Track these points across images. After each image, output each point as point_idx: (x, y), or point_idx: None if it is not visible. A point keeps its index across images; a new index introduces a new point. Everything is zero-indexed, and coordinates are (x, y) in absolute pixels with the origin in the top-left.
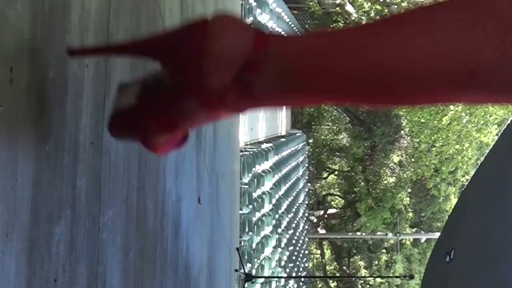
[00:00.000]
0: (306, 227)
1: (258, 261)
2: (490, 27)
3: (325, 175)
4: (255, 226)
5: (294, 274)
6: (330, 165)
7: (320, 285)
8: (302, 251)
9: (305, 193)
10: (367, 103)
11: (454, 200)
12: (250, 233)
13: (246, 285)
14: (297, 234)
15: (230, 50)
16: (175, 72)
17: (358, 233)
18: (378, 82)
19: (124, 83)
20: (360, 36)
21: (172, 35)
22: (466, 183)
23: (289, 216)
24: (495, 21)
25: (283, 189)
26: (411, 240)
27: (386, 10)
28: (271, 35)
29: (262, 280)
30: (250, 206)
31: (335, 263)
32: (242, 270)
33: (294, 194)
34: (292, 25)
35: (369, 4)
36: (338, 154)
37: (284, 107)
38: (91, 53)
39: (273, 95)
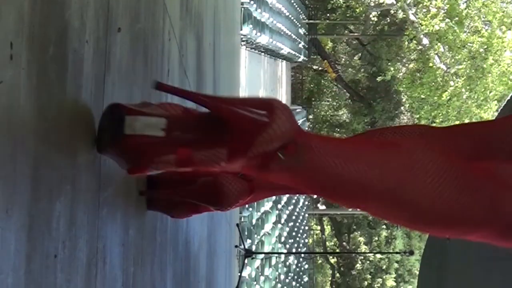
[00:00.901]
0: (306, 203)
1: (258, 237)
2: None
3: None
4: (255, 202)
5: (294, 250)
6: None
7: (320, 261)
8: (302, 227)
9: None
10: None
11: None
12: (250, 209)
13: (246, 261)
14: (297, 210)
15: (283, 133)
16: (236, 129)
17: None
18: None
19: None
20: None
21: (249, 107)
22: None
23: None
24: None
25: None
26: None
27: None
28: (305, 134)
29: (262, 256)
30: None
31: (335, 239)
32: (242, 246)
33: None
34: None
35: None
36: (338, 130)
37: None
38: (176, 92)
39: (280, 171)
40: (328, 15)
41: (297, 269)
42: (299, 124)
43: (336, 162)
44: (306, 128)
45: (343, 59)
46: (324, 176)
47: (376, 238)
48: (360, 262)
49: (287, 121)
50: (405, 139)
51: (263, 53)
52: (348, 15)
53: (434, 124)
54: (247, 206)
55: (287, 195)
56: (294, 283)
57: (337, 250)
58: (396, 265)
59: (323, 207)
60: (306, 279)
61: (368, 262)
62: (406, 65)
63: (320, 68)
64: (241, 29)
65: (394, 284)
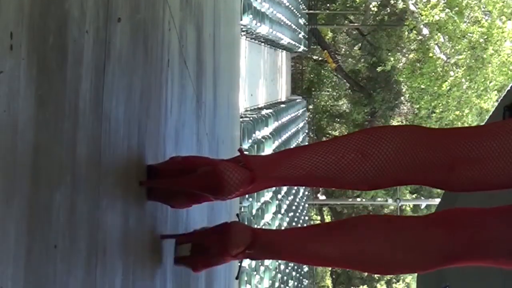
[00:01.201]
0: (306, 193)
1: (258, 227)
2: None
3: None
4: (255, 193)
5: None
6: (330, 131)
7: None
8: (302, 217)
9: None
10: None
11: None
12: (250, 199)
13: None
14: (297, 200)
15: (239, 241)
16: (214, 249)
17: (358, 199)
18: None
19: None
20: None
21: (214, 232)
22: None
23: None
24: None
25: None
26: (411, 206)
27: None
28: (259, 233)
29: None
30: None
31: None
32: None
33: None
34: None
35: None
36: (338, 120)
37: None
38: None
39: (263, 257)
40: (328, 5)
41: None
42: (252, 232)
43: (294, 249)
44: (306, 119)
45: (343, 49)
46: (290, 255)
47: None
48: None
49: (241, 235)
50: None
51: (263, 43)
52: (348, 5)
53: (433, 115)
54: (247, 196)
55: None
56: (294, 273)
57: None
58: None
59: (323, 197)
60: (306, 269)
61: None
62: (406, 55)
63: (320, 58)
64: (241, 20)
65: None
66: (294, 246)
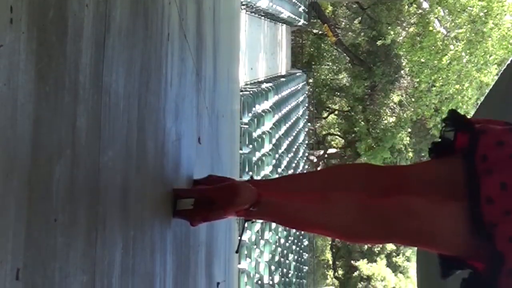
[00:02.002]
0: (306, 166)
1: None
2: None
3: (325, 114)
4: (255, 166)
5: None
6: (330, 105)
7: None
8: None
9: (305, 132)
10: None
11: None
12: (250, 173)
13: (246, 224)
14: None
15: (247, 199)
16: (221, 201)
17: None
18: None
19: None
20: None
21: (222, 188)
22: None
23: (289, 156)
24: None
25: (283, 129)
26: None
27: None
28: (264, 199)
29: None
30: (250, 146)
31: None
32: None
33: (294, 134)
34: None
35: None
36: (338, 93)
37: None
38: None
39: (257, 215)
40: None
41: (297, 233)
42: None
43: (286, 209)
44: (306, 92)
45: (343, 23)
46: (281, 216)
47: None
48: None
49: (249, 192)
50: (335, 194)
51: (263, 17)
52: None
53: (433, 89)
54: (247, 169)
55: (287, 159)
56: (294, 247)
57: None
58: None
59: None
60: (306, 243)
61: None
62: (406, 29)
63: (320, 32)
64: None
65: (394, 248)
66: (288, 215)
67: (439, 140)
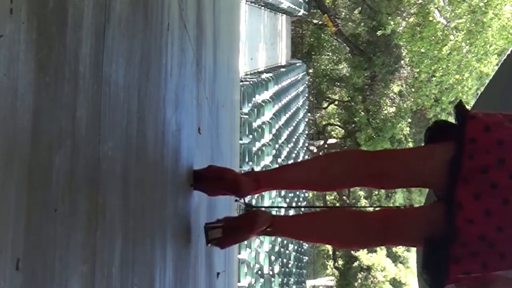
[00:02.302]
0: (306, 157)
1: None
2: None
3: (325, 105)
4: (255, 156)
5: (294, 204)
6: (330, 95)
7: None
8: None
9: (305, 123)
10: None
11: None
12: (250, 163)
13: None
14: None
15: (263, 222)
16: (245, 227)
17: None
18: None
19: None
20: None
21: (245, 217)
22: None
23: (289, 146)
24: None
25: (283, 119)
26: None
27: None
28: (276, 220)
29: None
30: (250, 136)
31: (335, 193)
32: (242, 200)
33: (294, 124)
34: None
35: None
36: (338, 84)
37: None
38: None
39: (275, 234)
40: None
41: None
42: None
43: (297, 228)
44: (306, 82)
45: (343, 13)
46: (293, 234)
47: (376, 192)
48: None
49: (264, 217)
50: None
51: (263, 7)
52: None
53: (433, 79)
54: (247, 159)
55: (287, 150)
56: None
57: (337, 204)
58: None
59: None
60: None
61: None
62: (406, 19)
63: (320, 22)
64: None
65: None
66: (296, 232)
67: (435, 125)
